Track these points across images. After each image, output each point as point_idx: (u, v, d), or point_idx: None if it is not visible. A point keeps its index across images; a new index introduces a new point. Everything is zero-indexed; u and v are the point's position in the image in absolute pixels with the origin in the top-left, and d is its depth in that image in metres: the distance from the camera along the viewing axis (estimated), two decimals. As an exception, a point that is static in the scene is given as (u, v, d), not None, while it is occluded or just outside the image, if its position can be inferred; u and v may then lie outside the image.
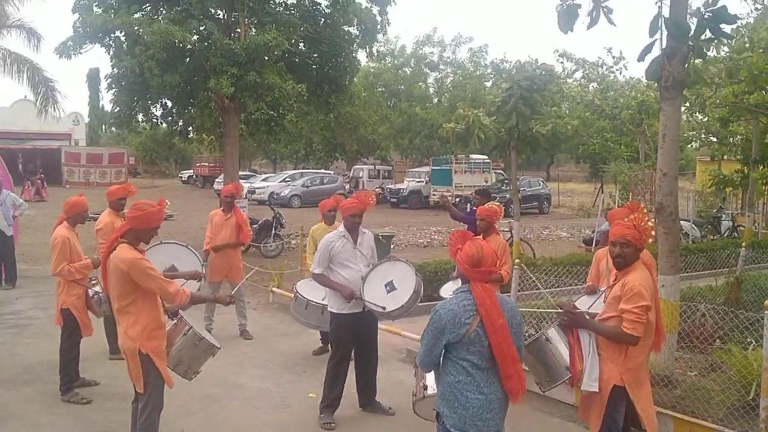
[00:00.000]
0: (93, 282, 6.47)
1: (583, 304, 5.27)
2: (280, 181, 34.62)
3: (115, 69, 15.64)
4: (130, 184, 8.31)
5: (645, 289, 4.13)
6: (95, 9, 15.42)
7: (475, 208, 9.39)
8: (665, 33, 5.85)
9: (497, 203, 7.14)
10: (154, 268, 4.48)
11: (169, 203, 4.84)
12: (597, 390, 4.21)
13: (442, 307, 3.61)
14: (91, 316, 6.58)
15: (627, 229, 4.24)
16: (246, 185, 28.54)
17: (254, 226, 14.37)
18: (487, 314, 3.50)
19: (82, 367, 6.61)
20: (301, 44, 16.62)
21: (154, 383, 4.55)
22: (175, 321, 4.78)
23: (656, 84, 6.48)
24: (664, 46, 5.94)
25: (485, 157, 31.28)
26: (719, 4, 5.76)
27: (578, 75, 22.16)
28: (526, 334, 6.72)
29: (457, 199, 27.21)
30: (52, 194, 29.04)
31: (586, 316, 4.44)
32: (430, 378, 4.22)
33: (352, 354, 6.19)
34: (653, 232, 4.41)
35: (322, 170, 41.07)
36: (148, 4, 15.85)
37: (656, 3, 5.81)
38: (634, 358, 4.22)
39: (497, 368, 3.59)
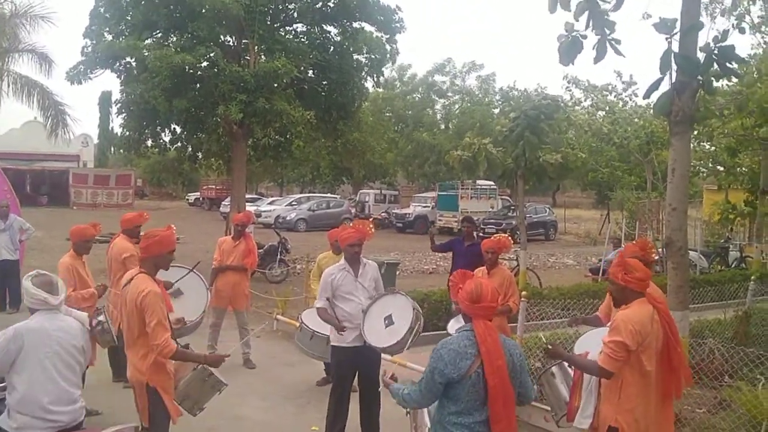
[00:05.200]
0: (97, 311, 6.42)
1: (589, 337, 5.21)
2: (287, 205, 34.62)
3: (124, 94, 15.75)
4: (144, 211, 8.37)
5: (626, 324, 3.96)
6: (106, 35, 15.55)
7: (464, 237, 9.38)
8: (674, 68, 5.83)
9: (503, 234, 7.06)
10: (164, 311, 4.41)
11: (175, 227, 4.82)
12: (587, 427, 4.20)
13: (443, 347, 3.56)
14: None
15: (614, 267, 4.23)
16: (252, 208, 28.54)
17: (259, 250, 14.30)
18: (487, 353, 3.46)
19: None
20: (310, 71, 16.69)
21: (159, 417, 4.51)
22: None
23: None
24: (673, 80, 5.92)
25: (492, 183, 31.29)
26: (728, 40, 5.74)
27: (587, 103, 22.10)
28: (532, 368, 6.66)
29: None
30: (59, 216, 29.09)
31: (566, 350, 4.52)
32: (420, 417, 4.19)
33: (356, 387, 6.14)
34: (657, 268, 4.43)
35: (329, 194, 41.17)
36: (158, 31, 15.96)
37: (666, 39, 5.78)
38: (630, 400, 4.01)
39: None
